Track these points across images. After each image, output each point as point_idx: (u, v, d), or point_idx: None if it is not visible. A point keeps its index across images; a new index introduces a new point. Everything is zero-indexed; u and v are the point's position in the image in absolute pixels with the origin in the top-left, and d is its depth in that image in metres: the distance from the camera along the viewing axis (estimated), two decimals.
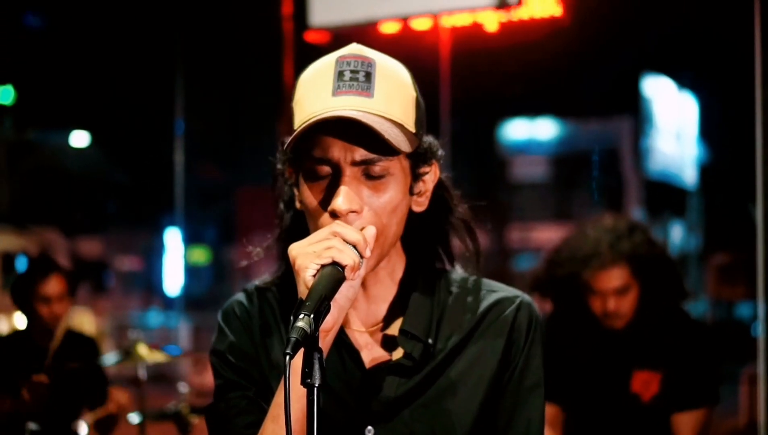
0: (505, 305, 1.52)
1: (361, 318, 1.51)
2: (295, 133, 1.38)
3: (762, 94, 2.74)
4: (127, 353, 3.96)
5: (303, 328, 1.18)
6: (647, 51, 18.76)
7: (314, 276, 1.29)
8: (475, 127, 17.18)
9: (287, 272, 1.50)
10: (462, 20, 4.92)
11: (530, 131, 21.11)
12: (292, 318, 1.20)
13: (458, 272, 1.59)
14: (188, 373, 9.75)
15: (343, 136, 1.37)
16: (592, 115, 19.36)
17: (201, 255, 22.39)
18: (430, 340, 1.48)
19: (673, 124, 22.22)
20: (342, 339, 1.46)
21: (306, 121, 1.38)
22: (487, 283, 1.58)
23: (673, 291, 2.96)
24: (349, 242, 1.32)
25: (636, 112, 20.46)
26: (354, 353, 1.47)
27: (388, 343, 1.49)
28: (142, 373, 3.83)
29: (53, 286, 3.86)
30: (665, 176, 21.53)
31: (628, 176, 20.07)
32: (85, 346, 4.08)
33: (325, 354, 1.28)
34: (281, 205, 1.58)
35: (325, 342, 1.34)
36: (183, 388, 4.11)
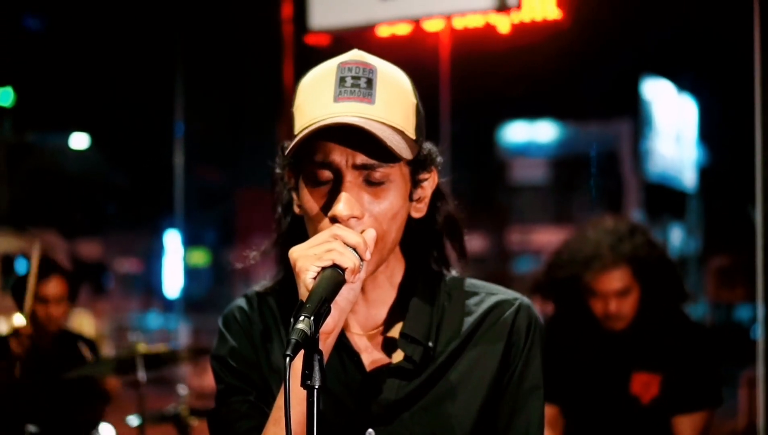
0: (505, 307, 1.53)
1: (361, 322, 1.52)
2: (297, 138, 1.38)
3: (761, 97, 2.74)
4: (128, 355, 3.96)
5: (303, 330, 1.18)
6: (647, 53, 18.76)
7: (315, 278, 1.29)
8: (475, 130, 17.18)
9: (287, 277, 1.51)
10: (462, 23, 4.92)
11: (530, 133, 21.11)
12: (292, 320, 1.21)
13: (457, 275, 1.60)
14: (188, 375, 9.74)
15: (345, 142, 1.38)
16: (592, 117, 19.36)
17: (201, 257, 22.38)
18: (430, 343, 1.48)
19: (673, 126, 22.21)
20: (342, 342, 1.46)
21: (308, 127, 1.38)
22: (486, 285, 1.58)
23: (673, 293, 2.96)
24: (349, 245, 1.32)
25: (635, 115, 20.45)
26: (354, 356, 1.47)
27: (388, 347, 1.50)
28: (141, 375, 3.83)
29: (52, 287, 3.87)
30: (665, 179, 21.52)
31: (627, 179, 20.07)
32: (84, 348, 4.08)
33: (326, 357, 1.28)
34: (279, 209, 1.58)
35: (326, 345, 1.34)
36: (182, 390, 4.12)
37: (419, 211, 1.51)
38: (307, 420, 1.22)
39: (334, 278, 1.28)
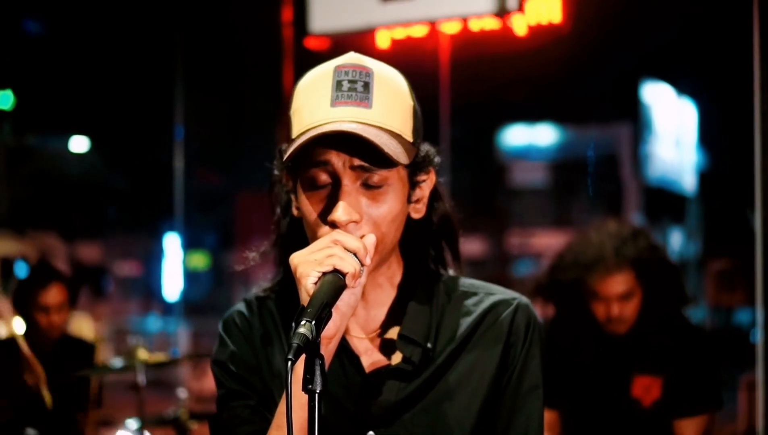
0: (503, 307, 1.53)
1: (360, 323, 1.52)
2: (295, 146, 1.39)
3: (761, 101, 2.75)
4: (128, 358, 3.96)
5: (304, 334, 1.18)
6: (647, 57, 18.77)
7: (316, 283, 1.30)
8: (475, 133, 17.20)
9: (287, 281, 1.50)
10: (461, 27, 4.93)
11: (530, 137, 21.12)
12: (293, 324, 1.21)
13: (456, 276, 1.60)
14: (187, 378, 9.75)
15: (342, 148, 1.38)
16: (592, 121, 19.37)
17: (200, 260, 22.39)
18: (429, 345, 1.48)
19: (673, 130, 22.21)
20: (341, 344, 1.46)
21: (305, 133, 1.38)
22: (485, 285, 1.58)
23: (675, 296, 2.96)
24: (349, 250, 1.33)
25: (635, 119, 20.46)
26: (354, 358, 1.47)
27: (388, 348, 1.50)
28: (141, 379, 3.82)
29: (53, 295, 3.84)
30: (664, 182, 21.52)
31: (627, 182, 20.08)
32: (83, 352, 4.08)
33: (328, 362, 1.29)
34: (278, 211, 1.58)
35: (327, 350, 1.34)
36: (182, 393, 4.11)
37: (418, 211, 1.51)
38: (309, 424, 1.22)
39: (335, 283, 1.29)
